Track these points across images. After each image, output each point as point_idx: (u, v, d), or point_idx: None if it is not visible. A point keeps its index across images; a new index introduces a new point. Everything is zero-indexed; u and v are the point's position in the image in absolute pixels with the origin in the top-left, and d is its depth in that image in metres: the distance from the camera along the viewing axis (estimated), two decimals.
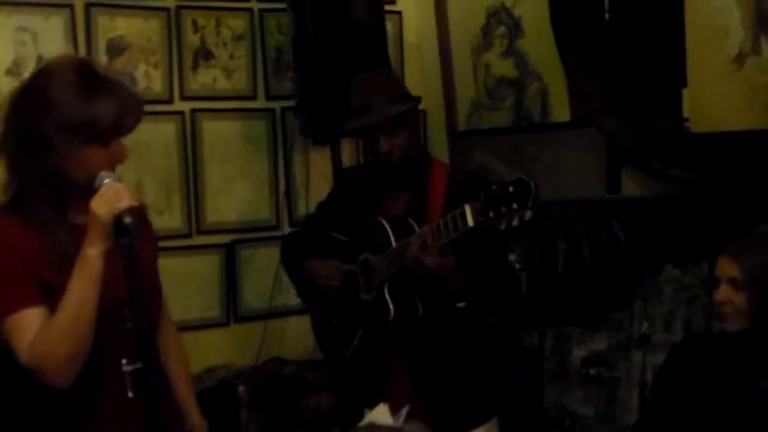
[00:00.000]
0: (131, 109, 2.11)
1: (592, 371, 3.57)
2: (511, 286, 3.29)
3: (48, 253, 2.05)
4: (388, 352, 2.96)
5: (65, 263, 2.02)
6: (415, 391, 2.85)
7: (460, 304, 2.80)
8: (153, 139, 4.01)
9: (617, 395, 3.48)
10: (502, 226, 2.43)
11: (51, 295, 2.02)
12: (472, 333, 2.94)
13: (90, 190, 2.04)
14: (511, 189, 2.39)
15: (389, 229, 2.86)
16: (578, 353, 3.64)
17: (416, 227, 2.77)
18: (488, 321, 3.04)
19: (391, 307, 2.84)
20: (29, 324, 2.01)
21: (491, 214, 2.42)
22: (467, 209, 2.50)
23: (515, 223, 2.41)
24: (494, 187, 2.43)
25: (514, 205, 2.38)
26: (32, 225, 2.07)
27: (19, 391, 2.15)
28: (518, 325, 3.81)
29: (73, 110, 2.04)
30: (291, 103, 4.20)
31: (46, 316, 2.02)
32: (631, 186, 3.58)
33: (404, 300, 2.85)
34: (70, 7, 3.82)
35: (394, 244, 2.83)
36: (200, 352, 4.06)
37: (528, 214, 2.40)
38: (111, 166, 2.08)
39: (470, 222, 2.50)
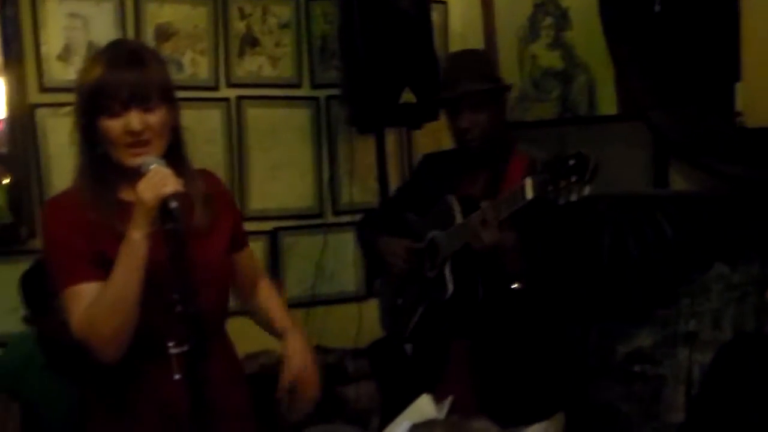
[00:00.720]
0: (114, 72, 2.08)
1: (637, 368, 3.53)
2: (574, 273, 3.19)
3: (106, 229, 2.09)
4: (446, 332, 2.94)
5: (120, 240, 2.05)
6: (471, 376, 2.84)
7: (515, 286, 2.76)
8: (198, 125, 4.02)
9: (662, 393, 3.44)
10: (561, 201, 2.40)
11: (109, 270, 2.05)
12: (534, 320, 2.90)
13: (135, 173, 2.07)
14: (571, 162, 2.37)
15: (457, 207, 2.86)
16: (622, 349, 3.60)
17: (484, 203, 2.75)
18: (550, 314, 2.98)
19: (450, 284, 2.83)
20: (84, 298, 2.07)
21: (550, 187, 2.41)
22: (527, 182, 2.49)
23: (573, 197, 2.38)
24: (554, 160, 2.41)
25: (573, 179, 2.36)
26: (85, 200, 2.12)
27: (81, 368, 2.20)
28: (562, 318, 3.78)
29: (77, 83, 2.14)
30: (336, 91, 4.20)
31: (96, 292, 2.07)
32: (679, 181, 3.54)
33: (465, 279, 2.84)
34: None
35: (459, 220, 2.82)
36: (243, 338, 4.05)
37: (587, 189, 2.37)
38: (127, 136, 2.07)
39: (529, 194, 2.48)
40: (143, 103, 2.09)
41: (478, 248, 2.67)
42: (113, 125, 2.07)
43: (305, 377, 2.43)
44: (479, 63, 3.02)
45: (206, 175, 2.36)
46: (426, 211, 3.04)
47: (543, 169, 2.43)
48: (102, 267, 2.07)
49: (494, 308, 2.84)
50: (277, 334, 2.47)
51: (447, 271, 2.85)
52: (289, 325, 2.47)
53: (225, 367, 2.33)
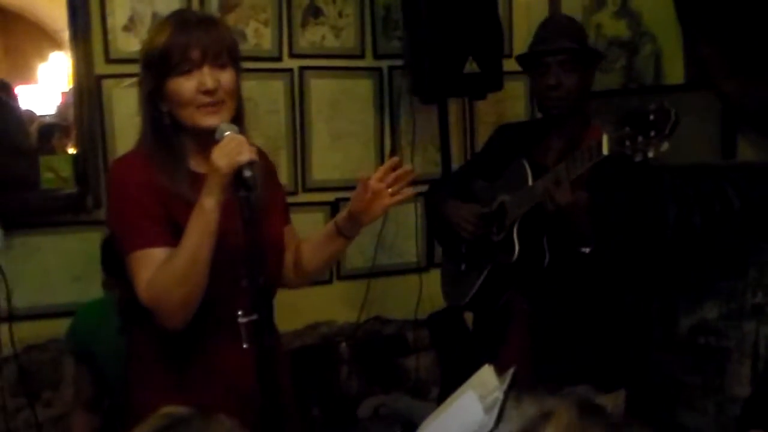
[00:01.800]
0: (184, 33, 2.09)
1: (701, 340, 3.50)
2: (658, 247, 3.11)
3: (176, 195, 2.10)
4: (510, 296, 2.93)
5: (189, 208, 2.06)
6: (533, 344, 2.82)
7: (585, 249, 2.72)
8: (261, 96, 4.05)
9: (727, 366, 3.40)
10: (638, 158, 2.35)
11: (179, 235, 2.06)
12: (598, 287, 2.84)
13: (206, 139, 2.09)
14: (651, 117, 2.32)
15: (528, 170, 2.83)
16: (686, 322, 3.57)
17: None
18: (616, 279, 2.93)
19: (517, 246, 2.81)
20: (153, 262, 2.06)
21: (627, 142, 2.36)
22: (604, 137, 2.44)
23: (650, 154, 2.33)
24: (634, 114, 2.36)
25: (652, 133, 2.31)
26: (156, 167, 2.13)
27: (143, 339, 2.22)
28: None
29: (145, 47, 2.15)
30: (398, 62, 4.19)
31: (164, 258, 2.07)
32: (747, 151, 3.47)
33: (532, 242, 2.81)
34: None
35: (530, 182, 2.80)
36: (304, 309, 4.11)
37: (665, 146, 2.31)
38: (201, 96, 2.08)
39: (605, 150, 2.44)
40: (216, 60, 2.10)
41: (550, 209, 2.63)
42: (186, 85, 2.08)
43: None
44: (572, 27, 3.00)
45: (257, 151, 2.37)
46: (497, 177, 3.02)
47: (623, 122, 2.38)
48: (171, 232, 2.07)
49: (559, 272, 2.80)
50: (339, 226, 2.33)
51: (514, 234, 2.82)
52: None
53: None
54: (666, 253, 3.61)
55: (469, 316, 3.58)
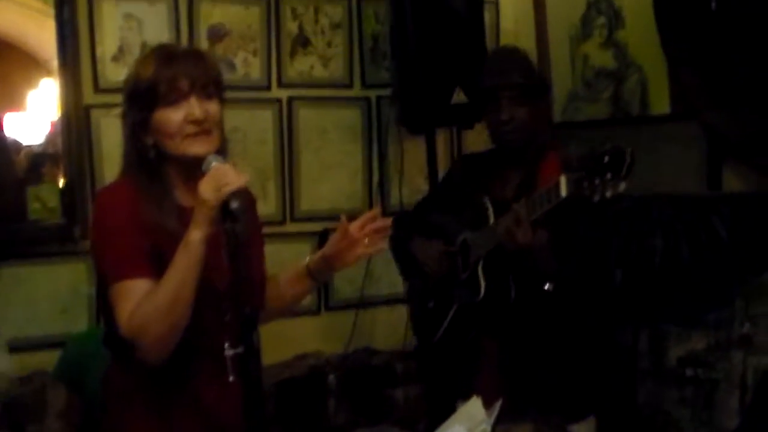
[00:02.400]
0: (171, 65, 2.10)
1: (689, 372, 3.49)
2: (603, 282, 3.15)
3: (161, 227, 2.09)
4: (478, 334, 2.93)
5: (175, 241, 2.04)
6: (505, 379, 2.82)
7: (547, 287, 2.74)
8: (250, 126, 4.06)
9: (715, 397, 3.39)
10: (596, 198, 2.36)
11: (163, 267, 2.03)
12: (564, 324, 2.87)
13: (192, 170, 2.09)
14: (606, 159, 2.33)
15: (490, 207, 2.85)
16: (674, 352, 3.56)
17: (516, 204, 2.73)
18: (579, 315, 2.97)
19: (483, 285, 2.83)
20: (135, 294, 2.03)
21: (585, 184, 2.37)
22: (561, 179, 2.46)
23: (609, 194, 2.34)
24: (589, 157, 2.37)
25: (609, 175, 2.32)
26: (142, 200, 2.11)
27: (126, 369, 2.20)
28: (610, 321, 3.74)
29: (130, 80, 2.14)
30: (387, 91, 4.21)
31: (148, 289, 2.04)
32: (733, 182, 3.49)
33: (497, 280, 2.82)
34: None
35: (492, 221, 2.81)
36: (291, 340, 4.10)
37: (622, 186, 2.33)
38: (189, 126, 2.08)
39: (563, 192, 2.45)
40: (203, 90, 2.11)
41: (511, 248, 2.65)
42: (174, 115, 2.08)
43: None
44: (521, 59, 3.01)
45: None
46: (459, 213, 3.03)
47: (578, 165, 2.40)
48: (155, 264, 2.05)
49: (526, 309, 2.82)
50: (310, 268, 2.35)
51: (479, 272, 2.84)
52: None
53: None
54: (654, 284, 3.62)
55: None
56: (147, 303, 2.01)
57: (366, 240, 2.24)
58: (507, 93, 2.86)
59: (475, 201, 2.93)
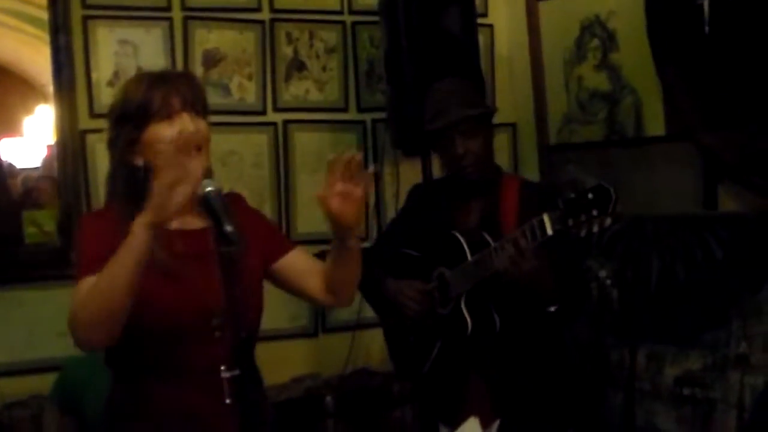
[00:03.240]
0: (162, 84, 2.12)
1: (686, 391, 3.49)
2: (599, 303, 3.18)
3: None
4: (466, 367, 2.93)
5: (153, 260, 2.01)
6: (492, 407, 2.82)
7: (552, 309, 2.74)
8: (246, 149, 4.07)
9: (713, 417, 3.39)
10: (582, 234, 2.40)
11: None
12: (551, 347, 2.90)
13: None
14: (590, 196, 2.36)
15: (464, 243, 2.84)
16: (671, 372, 3.56)
17: (490, 240, 2.75)
18: (571, 335, 2.98)
19: (469, 320, 2.82)
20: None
21: (570, 221, 2.40)
22: (546, 218, 2.48)
23: (595, 230, 2.38)
24: (573, 195, 2.40)
25: (594, 212, 2.35)
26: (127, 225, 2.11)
27: (126, 389, 2.20)
28: (605, 341, 3.75)
29: (119, 102, 2.15)
30: (382, 115, 4.21)
31: None
32: (728, 202, 3.50)
33: (481, 314, 2.83)
34: (169, 20, 3.91)
35: (469, 257, 2.81)
36: (288, 362, 4.10)
37: (608, 222, 2.36)
38: (179, 145, 2.04)
39: (549, 230, 2.48)
40: (193, 108, 2.12)
41: (515, 277, 2.64)
42: (167, 130, 2.08)
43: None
44: (465, 90, 3.01)
45: (233, 198, 2.36)
46: (425, 246, 3.02)
47: (563, 205, 2.42)
48: None
49: (510, 337, 2.83)
50: (336, 238, 2.32)
51: (464, 308, 2.84)
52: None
53: None
54: (650, 304, 3.62)
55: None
56: (87, 291, 1.98)
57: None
58: (458, 129, 2.86)
59: (444, 235, 2.92)
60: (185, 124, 2.10)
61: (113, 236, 2.05)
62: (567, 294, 2.76)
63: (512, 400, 2.84)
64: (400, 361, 3.28)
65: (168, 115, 2.10)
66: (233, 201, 2.30)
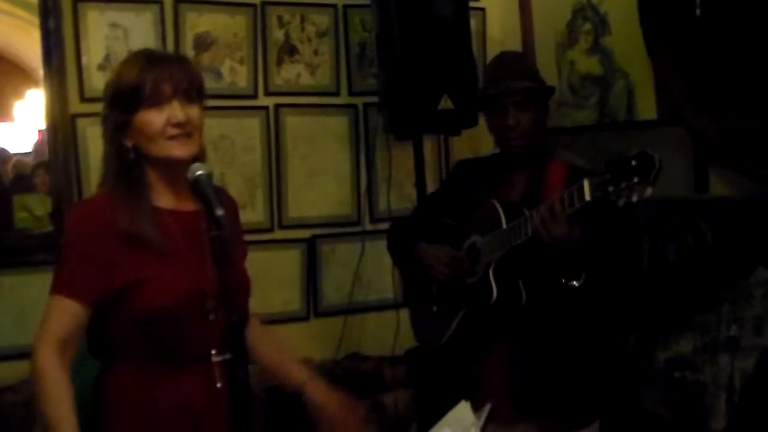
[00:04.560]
0: (155, 68, 2.13)
1: (677, 374, 3.50)
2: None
3: (133, 239, 2.10)
4: (487, 338, 2.90)
5: (141, 244, 2.08)
6: (511, 384, 2.81)
7: (574, 283, 2.69)
8: (237, 133, 4.06)
9: (703, 400, 3.40)
10: (621, 203, 2.33)
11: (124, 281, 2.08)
12: (575, 325, 2.84)
13: (174, 172, 2.14)
14: (633, 162, 2.30)
15: (501, 211, 2.80)
16: (662, 355, 3.57)
17: (527, 212, 2.69)
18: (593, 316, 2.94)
19: (495, 289, 2.79)
20: (62, 315, 2.10)
21: (611, 188, 2.34)
22: (585, 182, 2.43)
23: (634, 199, 2.31)
24: (616, 160, 2.34)
25: (635, 179, 2.29)
26: (117, 206, 2.13)
27: (114, 375, 2.21)
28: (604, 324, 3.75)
29: (113, 82, 2.17)
30: (374, 99, 4.21)
31: (78, 315, 2.10)
32: (719, 186, 3.51)
33: (509, 284, 2.79)
34: (160, 3, 3.89)
35: (504, 225, 2.77)
36: None
37: (649, 191, 2.30)
38: (171, 128, 2.11)
39: (587, 196, 2.42)
40: (185, 95, 2.13)
41: (546, 241, 2.59)
42: (155, 117, 2.10)
43: (348, 421, 2.38)
44: (524, 63, 3.02)
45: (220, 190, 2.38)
46: (463, 217, 3.02)
47: (605, 168, 2.36)
48: (103, 287, 2.09)
49: (535, 313, 2.79)
50: (297, 385, 2.42)
51: (491, 276, 2.81)
52: (310, 376, 2.43)
53: None
54: (642, 287, 3.63)
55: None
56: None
57: None
58: (512, 99, 2.85)
59: (482, 204, 2.89)
60: (175, 111, 2.10)
61: (102, 237, 2.09)
62: (593, 271, 2.70)
63: (530, 380, 2.80)
64: (421, 331, 3.27)
65: (158, 102, 2.11)
66: (220, 191, 2.32)
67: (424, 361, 3.49)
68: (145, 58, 2.16)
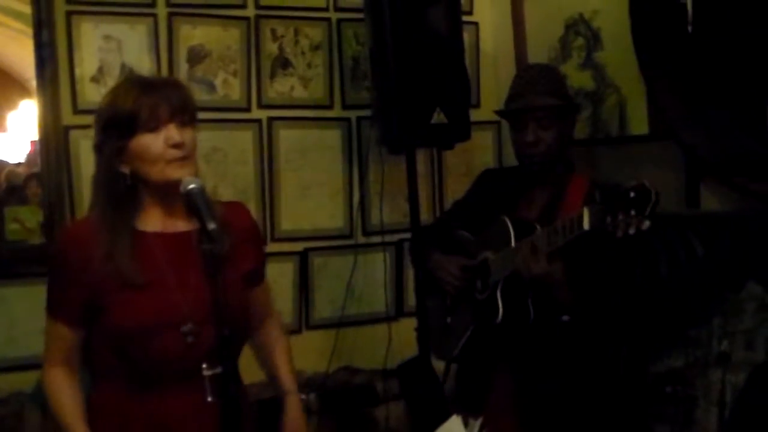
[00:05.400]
0: (151, 93, 2.14)
1: (668, 389, 3.50)
2: (634, 305, 3.11)
3: (106, 261, 2.12)
4: (493, 356, 2.91)
5: (116, 273, 2.10)
6: (515, 404, 2.81)
7: (564, 318, 2.72)
8: (230, 146, 4.06)
9: (694, 414, 3.40)
10: (619, 234, 2.34)
11: (97, 302, 2.14)
12: (580, 347, 2.85)
13: (169, 194, 2.14)
14: (632, 195, 2.31)
15: (511, 229, 2.80)
16: (653, 370, 3.57)
17: (539, 229, 2.70)
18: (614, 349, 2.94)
19: (501, 308, 2.79)
20: (56, 338, 2.22)
21: (608, 219, 2.35)
22: (585, 211, 2.43)
23: (632, 231, 2.31)
24: (614, 191, 2.35)
25: (632, 212, 2.30)
26: (100, 233, 2.15)
27: (104, 389, 2.22)
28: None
29: (106, 109, 2.18)
30: (367, 112, 4.22)
31: (66, 336, 2.20)
32: (710, 201, 3.51)
33: (516, 303, 2.79)
34: (154, 16, 3.90)
35: (513, 244, 2.77)
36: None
37: (646, 224, 2.30)
38: (171, 151, 2.11)
39: (586, 225, 2.43)
40: (180, 118, 2.14)
41: (525, 277, 2.63)
42: (153, 141, 2.10)
43: None
44: (549, 78, 2.96)
45: (235, 206, 2.39)
46: (481, 229, 3.00)
47: (602, 199, 2.38)
48: (85, 313, 2.17)
49: (543, 333, 2.79)
50: (279, 390, 2.51)
51: (498, 295, 2.81)
52: (293, 389, 2.50)
53: None
54: (633, 301, 3.63)
55: (438, 365, 3.59)
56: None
57: None
58: (533, 115, 2.84)
59: (498, 220, 2.88)
60: (172, 134, 2.11)
61: (83, 265, 2.13)
62: (584, 307, 2.72)
63: (534, 402, 2.81)
64: (436, 343, 3.27)
65: (155, 126, 2.12)
66: (236, 209, 2.37)
67: (417, 372, 3.49)
68: (140, 84, 2.17)
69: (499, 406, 2.78)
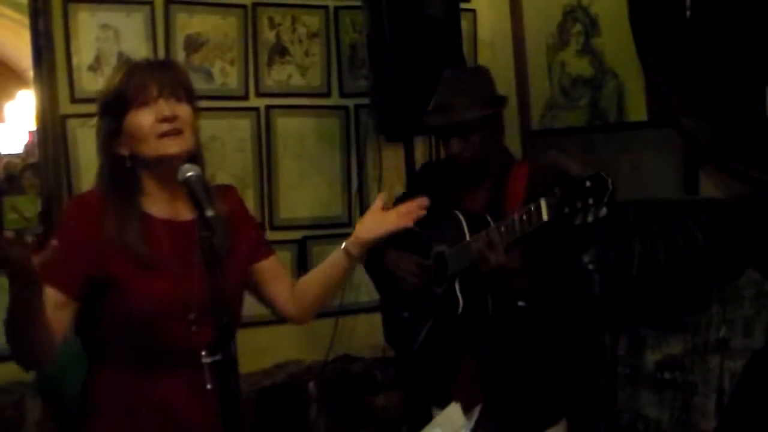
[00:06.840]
0: (140, 73, 2.14)
1: (667, 375, 3.51)
2: (581, 289, 3.16)
3: (110, 241, 2.10)
4: (455, 348, 2.93)
5: (126, 252, 2.09)
6: (483, 390, 2.83)
7: (521, 303, 2.75)
8: (228, 134, 4.06)
9: (693, 401, 3.41)
10: (577, 222, 2.38)
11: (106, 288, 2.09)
12: (541, 333, 2.89)
13: (167, 176, 2.12)
14: (588, 184, 2.35)
15: (464, 223, 2.82)
16: (652, 356, 3.58)
17: (492, 222, 2.72)
18: (558, 322, 2.98)
19: (461, 300, 2.81)
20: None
21: (566, 209, 2.39)
22: (542, 203, 2.46)
23: (590, 219, 2.36)
24: (571, 182, 2.39)
25: (590, 201, 2.34)
26: (108, 212, 2.13)
27: (101, 375, 2.21)
28: (589, 326, 3.77)
29: (102, 94, 2.18)
30: (365, 100, 4.21)
31: (58, 304, 2.08)
32: (709, 187, 3.51)
33: (474, 295, 2.81)
34: (151, 4, 3.89)
35: (468, 237, 2.79)
36: (271, 348, 4.10)
37: (603, 211, 2.34)
38: (160, 125, 2.10)
39: (545, 216, 2.45)
40: (173, 93, 2.14)
41: (483, 269, 2.66)
42: (143, 117, 2.10)
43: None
44: (476, 85, 2.92)
45: (225, 190, 2.38)
46: (429, 224, 3.01)
47: (559, 190, 2.41)
48: (84, 283, 2.09)
49: (503, 322, 2.82)
50: (343, 255, 2.44)
51: (457, 287, 2.83)
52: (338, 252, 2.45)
53: None
54: (632, 288, 3.64)
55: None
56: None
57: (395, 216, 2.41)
58: (452, 130, 2.84)
59: (447, 214, 2.90)
60: (161, 108, 2.11)
61: (91, 234, 2.10)
62: (540, 293, 2.75)
63: (501, 386, 2.84)
64: (393, 337, 3.29)
65: (145, 102, 2.11)
66: (225, 192, 2.34)
67: (406, 364, 3.49)
68: (129, 65, 2.18)
69: (467, 389, 2.79)
